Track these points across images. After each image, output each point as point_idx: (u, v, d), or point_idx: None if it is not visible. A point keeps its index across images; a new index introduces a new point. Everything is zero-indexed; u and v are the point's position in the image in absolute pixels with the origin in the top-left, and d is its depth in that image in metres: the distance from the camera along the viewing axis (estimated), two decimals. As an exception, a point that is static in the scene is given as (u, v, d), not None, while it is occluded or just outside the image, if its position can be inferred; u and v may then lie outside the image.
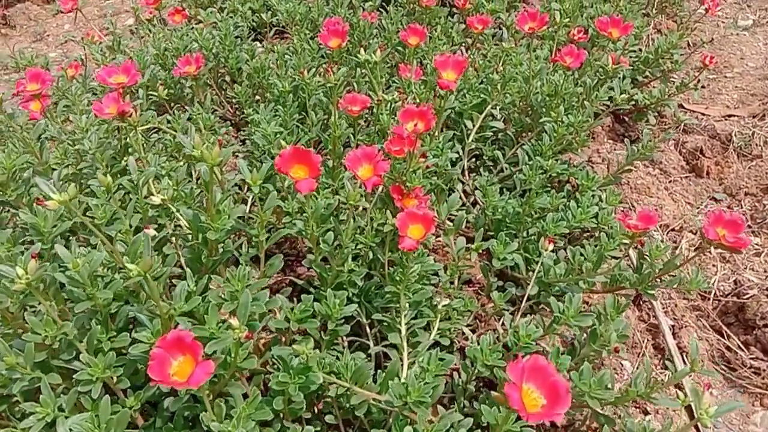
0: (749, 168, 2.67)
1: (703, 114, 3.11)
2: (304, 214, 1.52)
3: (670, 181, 2.65)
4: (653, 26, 3.78)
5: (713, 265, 2.23)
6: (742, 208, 2.53)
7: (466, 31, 2.51)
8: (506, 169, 2.21)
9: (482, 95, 2.30)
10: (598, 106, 2.21)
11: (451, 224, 1.89)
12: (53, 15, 4.35)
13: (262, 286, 1.36)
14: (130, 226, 1.48)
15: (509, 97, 2.30)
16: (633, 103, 2.91)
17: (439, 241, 2.07)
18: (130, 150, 1.81)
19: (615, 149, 2.88)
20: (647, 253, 1.70)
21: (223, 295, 1.32)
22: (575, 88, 2.21)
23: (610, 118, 2.99)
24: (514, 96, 2.29)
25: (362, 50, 2.05)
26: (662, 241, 2.31)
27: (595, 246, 1.77)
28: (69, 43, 4.03)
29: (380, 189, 1.67)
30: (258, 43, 3.48)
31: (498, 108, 2.36)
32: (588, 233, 2.10)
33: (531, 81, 2.28)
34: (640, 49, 3.31)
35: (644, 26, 3.04)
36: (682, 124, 2.93)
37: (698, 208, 2.55)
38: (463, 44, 2.79)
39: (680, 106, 3.18)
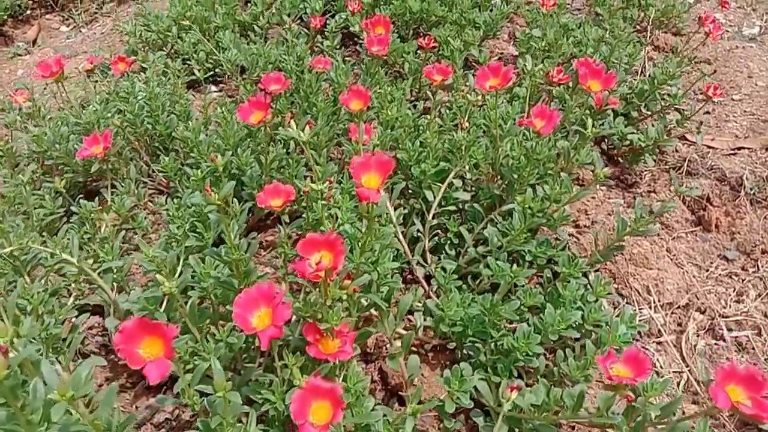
0: (765, 218, 2.23)
1: (709, 147, 2.66)
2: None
3: (673, 238, 2.21)
4: (650, 42, 3.33)
5: (727, 359, 1.79)
6: (759, 270, 2.09)
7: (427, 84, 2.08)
8: (473, 250, 1.78)
9: (443, 162, 1.88)
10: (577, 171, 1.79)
11: (399, 344, 1.48)
12: (9, 58, 3.99)
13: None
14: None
15: (475, 161, 1.88)
16: (628, 144, 2.47)
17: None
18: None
19: (609, 198, 2.44)
20: (641, 391, 1.28)
21: None
22: (550, 152, 1.79)
23: (602, 160, 2.55)
24: (480, 161, 1.86)
25: (292, 123, 1.64)
26: (664, 325, 1.88)
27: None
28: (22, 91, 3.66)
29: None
30: (213, 87, 3.10)
31: (463, 175, 1.94)
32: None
33: (499, 142, 1.86)
34: (635, 79, 2.86)
35: (636, 54, 2.59)
36: (685, 166, 2.48)
37: (707, 270, 2.11)
38: (422, 98, 2.38)
39: (683, 138, 2.73)
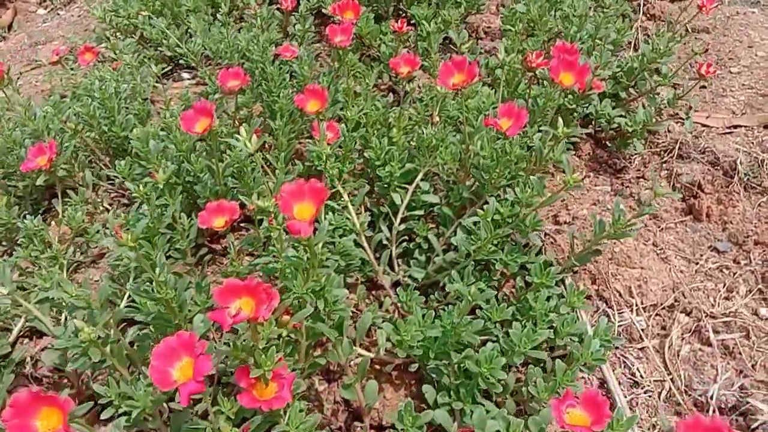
0: (759, 206, 2.08)
1: (704, 125, 2.49)
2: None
3: (661, 229, 2.08)
4: (645, 11, 3.13)
5: (712, 366, 1.67)
6: (750, 263, 1.95)
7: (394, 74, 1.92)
8: (440, 259, 1.66)
9: (410, 163, 1.75)
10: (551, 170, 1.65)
11: (355, 371, 1.38)
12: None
13: None
14: None
15: (444, 161, 1.74)
16: (615, 127, 2.32)
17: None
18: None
19: (596, 184, 2.30)
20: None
21: None
22: (521, 151, 1.64)
23: (590, 143, 2.40)
24: (449, 161, 1.73)
25: (242, 129, 1.51)
26: (646, 329, 1.76)
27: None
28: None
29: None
30: (186, 74, 2.96)
31: (436, 173, 1.80)
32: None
33: (468, 140, 1.72)
34: (626, 55, 2.68)
35: (626, 29, 2.40)
36: (677, 149, 2.32)
37: (696, 264, 1.98)
38: (401, 83, 2.22)
39: (675, 115, 2.56)
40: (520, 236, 1.61)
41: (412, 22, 2.65)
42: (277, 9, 2.69)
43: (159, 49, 2.94)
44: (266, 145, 1.94)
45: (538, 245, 1.63)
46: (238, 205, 1.41)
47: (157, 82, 2.83)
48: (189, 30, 2.74)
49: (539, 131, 1.93)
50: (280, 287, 1.24)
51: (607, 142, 2.39)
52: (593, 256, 1.64)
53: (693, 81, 2.21)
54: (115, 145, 2.06)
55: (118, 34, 3.08)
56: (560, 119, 1.51)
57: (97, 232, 1.76)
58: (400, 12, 2.87)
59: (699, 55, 2.12)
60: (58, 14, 4.08)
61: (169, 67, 2.92)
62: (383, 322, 1.51)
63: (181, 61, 2.85)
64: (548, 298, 1.56)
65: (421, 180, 1.74)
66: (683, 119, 2.52)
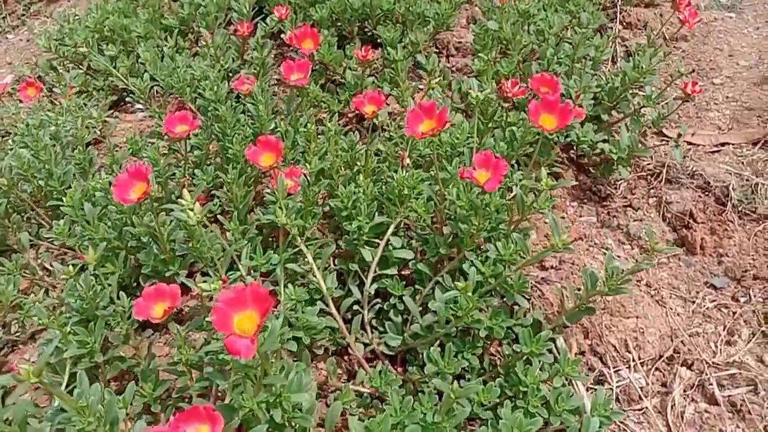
0: (756, 236, 1.91)
1: (690, 143, 2.33)
2: None
3: (653, 265, 1.90)
4: (621, 19, 2.96)
5: (720, 430, 1.50)
6: (750, 300, 1.79)
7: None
8: (418, 326, 1.47)
9: (380, 215, 1.55)
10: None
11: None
12: None
13: None
14: None
15: (417, 213, 1.55)
16: (599, 152, 2.14)
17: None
18: None
19: (581, 215, 2.12)
20: None
21: None
22: (501, 200, 1.45)
23: (572, 170, 2.22)
24: (422, 214, 1.53)
25: (185, 192, 1.30)
26: (646, 387, 1.58)
27: None
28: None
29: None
30: (140, 106, 2.72)
31: (404, 227, 1.61)
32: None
33: (442, 188, 1.52)
34: (605, 70, 2.51)
35: (605, 46, 2.22)
36: (664, 173, 2.16)
37: (693, 303, 1.81)
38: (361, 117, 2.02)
39: (659, 133, 2.40)
40: (506, 298, 1.43)
41: (379, 41, 2.45)
42: (233, 34, 2.47)
43: (110, 78, 2.70)
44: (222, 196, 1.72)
45: (525, 307, 1.44)
46: (179, 290, 1.20)
47: (108, 116, 2.60)
48: (139, 60, 2.51)
49: (519, 170, 1.75)
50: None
51: (591, 168, 2.21)
52: (586, 314, 1.45)
53: (676, 97, 2.05)
54: (54, 200, 1.83)
55: (66, 62, 2.83)
56: (543, 170, 1.32)
57: (33, 305, 1.53)
58: (366, 31, 2.67)
59: (685, 77, 1.95)
60: (6, 38, 3.80)
61: (121, 98, 2.69)
62: (356, 407, 1.32)
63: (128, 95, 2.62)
64: (540, 367, 1.37)
65: (393, 234, 1.54)
66: (668, 137, 2.36)
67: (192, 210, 1.26)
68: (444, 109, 1.35)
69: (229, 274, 1.38)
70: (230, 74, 2.43)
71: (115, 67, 2.60)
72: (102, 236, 1.49)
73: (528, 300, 1.46)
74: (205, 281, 1.21)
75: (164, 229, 1.44)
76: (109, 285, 1.43)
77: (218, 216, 1.74)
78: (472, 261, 1.42)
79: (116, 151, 2.01)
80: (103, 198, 1.58)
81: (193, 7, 2.72)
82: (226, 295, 0.88)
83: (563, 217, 2.09)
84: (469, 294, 1.21)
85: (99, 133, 2.46)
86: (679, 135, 1.86)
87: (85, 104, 2.56)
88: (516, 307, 1.46)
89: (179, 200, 1.30)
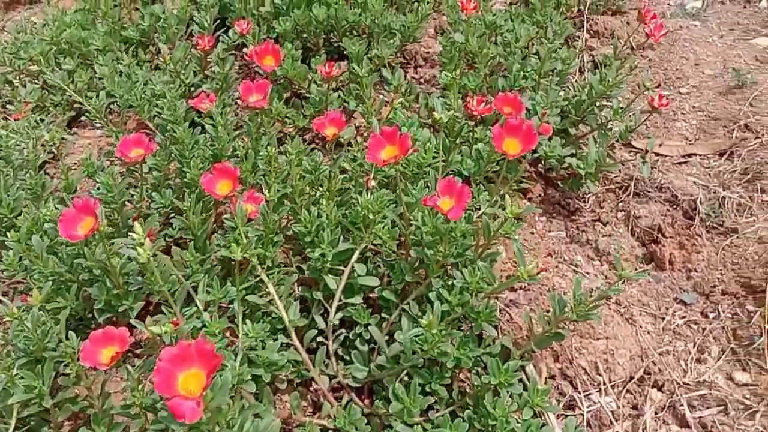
0: (724, 250, 1.90)
1: (658, 154, 2.31)
2: None
3: (622, 282, 1.87)
4: (588, 28, 2.94)
5: (690, 454, 1.48)
6: (719, 315, 1.77)
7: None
8: (384, 358, 1.42)
9: (345, 242, 1.49)
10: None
11: None
12: None
13: None
14: None
15: (382, 239, 1.49)
16: (566, 167, 2.11)
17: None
18: None
19: (549, 230, 2.09)
20: None
21: None
22: (467, 226, 1.41)
23: (540, 184, 2.19)
24: (387, 240, 1.48)
25: (136, 225, 1.23)
26: (617, 410, 1.55)
27: None
28: None
29: None
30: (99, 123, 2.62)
31: (370, 252, 1.56)
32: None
33: (407, 212, 1.47)
34: (572, 81, 2.49)
35: (572, 58, 2.19)
36: (632, 186, 2.13)
37: (663, 319, 1.79)
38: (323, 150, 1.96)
39: (627, 144, 2.38)
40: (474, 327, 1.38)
41: (346, 52, 2.39)
42: (195, 47, 2.39)
43: (67, 93, 2.59)
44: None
45: (493, 335, 1.39)
46: (127, 334, 1.13)
47: (66, 133, 2.51)
48: (96, 75, 2.41)
49: (485, 190, 1.71)
50: None
51: (559, 182, 2.18)
52: (555, 340, 1.41)
53: (643, 110, 2.03)
54: (3, 227, 1.74)
55: (21, 76, 2.72)
56: (507, 198, 1.27)
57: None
58: (332, 43, 2.60)
59: (651, 91, 1.92)
60: (-37, 50, 3.65)
61: (80, 114, 2.59)
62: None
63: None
64: (510, 396, 1.33)
65: (358, 261, 1.48)
66: (637, 149, 2.34)
67: (142, 245, 1.20)
68: (406, 136, 1.30)
69: (184, 311, 1.31)
70: (192, 89, 2.35)
71: (72, 82, 2.51)
72: (52, 270, 1.41)
73: (496, 327, 1.41)
74: (156, 322, 1.14)
75: (117, 263, 1.36)
76: (58, 322, 1.35)
77: (175, 245, 1.67)
78: (438, 290, 1.37)
79: (72, 172, 1.93)
80: (53, 229, 1.50)
81: (154, 18, 2.63)
82: (170, 353, 0.82)
83: (532, 233, 2.06)
84: (433, 331, 1.16)
85: (56, 151, 2.37)
86: (647, 151, 1.83)
87: (42, 120, 2.46)
88: (484, 334, 1.41)
89: (130, 233, 1.23)
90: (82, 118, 2.55)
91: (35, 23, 3.12)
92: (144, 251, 1.17)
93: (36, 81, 2.62)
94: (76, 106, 2.56)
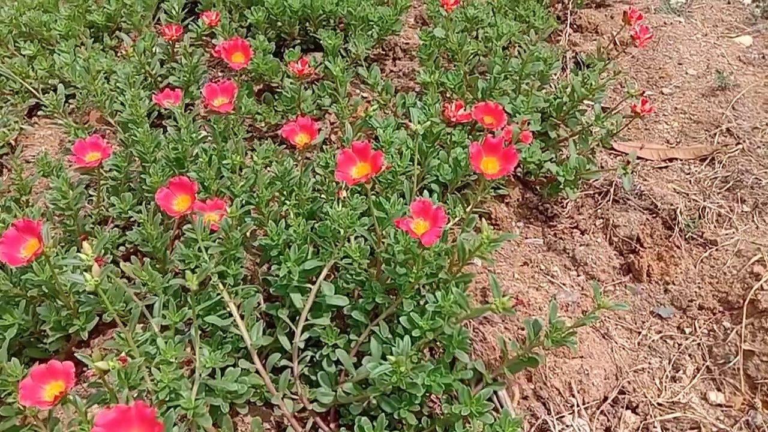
0: (702, 263, 1.85)
1: (639, 158, 2.25)
2: None
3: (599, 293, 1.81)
4: (572, 22, 2.85)
5: (665, 481, 1.43)
6: (696, 331, 1.73)
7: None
8: (351, 386, 1.34)
9: (313, 259, 1.41)
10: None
11: None
12: None
13: None
14: None
15: (351, 260, 1.41)
16: (545, 172, 2.03)
17: None
18: None
19: (526, 236, 2.02)
20: None
21: None
22: (441, 246, 1.33)
23: (518, 188, 2.11)
24: (357, 258, 1.39)
25: (85, 245, 1.13)
26: (591, 433, 1.50)
27: None
28: None
29: None
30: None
31: (339, 269, 1.47)
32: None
33: (379, 229, 1.39)
34: (552, 81, 2.40)
35: (554, 59, 2.10)
36: (612, 192, 2.07)
37: (639, 334, 1.74)
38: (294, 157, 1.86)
39: (608, 147, 2.31)
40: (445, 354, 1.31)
41: (321, 42, 2.27)
42: (159, 35, 2.25)
43: (28, 79, 2.44)
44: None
45: (466, 362, 1.32)
46: (73, 369, 1.03)
47: (25, 123, 2.37)
48: (56, 63, 2.26)
49: (460, 200, 1.63)
50: None
51: (537, 187, 2.10)
52: (529, 366, 1.35)
53: (626, 116, 1.96)
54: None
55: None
56: (484, 222, 1.19)
57: None
58: (307, 32, 2.48)
59: (634, 98, 1.84)
60: None
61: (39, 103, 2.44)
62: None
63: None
64: (481, 424, 1.27)
65: (325, 280, 1.40)
66: (617, 151, 2.28)
67: (90, 269, 1.10)
68: (378, 154, 1.21)
69: (138, 336, 1.22)
70: (159, 79, 2.22)
71: (32, 69, 2.37)
72: (-4, 286, 1.31)
73: (468, 351, 1.34)
74: (103, 356, 1.05)
75: (66, 282, 1.26)
76: (3, 341, 1.25)
77: (135, 252, 1.57)
78: (409, 314, 1.29)
79: (28, 169, 1.80)
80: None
81: (120, 3, 2.48)
82: (107, 418, 0.73)
83: (509, 241, 1.99)
84: (402, 369, 1.08)
85: (13, 142, 2.24)
86: (628, 162, 1.75)
87: (-1, 109, 2.32)
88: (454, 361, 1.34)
89: (78, 254, 1.13)
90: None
91: (-2, 0, 2.93)
92: (91, 278, 1.07)
93: (-5, 66, 2.46)
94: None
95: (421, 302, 1.36)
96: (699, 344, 1.70)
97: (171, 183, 1.27)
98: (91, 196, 1.79)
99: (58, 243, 1.55)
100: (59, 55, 2.10)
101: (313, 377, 1.44)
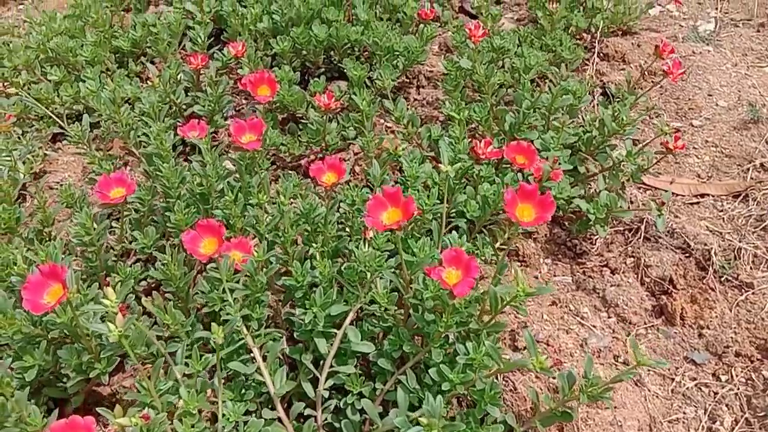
0: (738, 306, 1.77)
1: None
2: None
3: (630, 335, 1.76)
4: (599, 51, 2.80)
5: None
6: (732, 379, 1.65)
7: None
8: (377, 423, 1.29)
9: (338, 304, 1.36)
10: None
11: None
12: None
13: None
14: None
15: (377, 305, 1.36)
16: (575, 208, 1.97)
17: None
18: None
19: (555, 274, 1.96)
20: None
21: None
22: (473, 294, 1.27)
23: (547, 224, 2.05)
24: (384, 304, 1.34)
25: (108, 290, 1.09)
26: (625, 489, 1.43)
27: None
28: None
29: None
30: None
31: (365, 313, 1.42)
32: None
33: (407, 272, 1.34)
34: (581, 113, 2.35)
35: (584, 92, 2.05)
36: (643, 229, 2.00)
37: (672, 380, 1.67)
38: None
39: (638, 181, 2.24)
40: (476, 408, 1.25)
41: (345, 71, 2.24)
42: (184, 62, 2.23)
43: (53, 105, 2.44)
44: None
45: (497, 416, 1.27)
46: (94, 424, 1.00)
47: (49, 148, 2.36)
48: (83, 90, 2.25)
49: (490, 244, 1.58)
50: None
51: (566, 222, 2.05)
52: (562, 420, 1.29)
53: (658, 152, 1.90)
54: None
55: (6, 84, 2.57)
56: (519, 272, 1.14)
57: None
58: (332, 62, 2.45)
59: (667, 135, 1.79)
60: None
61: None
62: None
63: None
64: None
65: (351, 325, 1.35)
66: (647, 186, 2.21)
67: (113, 320, 1.06)
68: (410, 200, 1.16)
69: (158, 384, 1.18)
70: (183, 108, 2.21)
71: (58, 95, 2.36)
72: (17, 328, 1.27)
73: (499, 406, 1.28)
74: (124, 412, 1.01)
75: (88, 325, 1.22)
76: (23, 383, 1.22)
77: (157, 288, 1.54)
78: (439, 366, 1.24)
79: (51, 197, 1.79)
80: (21, 281, 1.35)
81: (146, 30, 2.47)
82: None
83: (536, 277, 1.93)
84: None
85: (37, 170, 2.23)
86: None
87: (24, 134, 2.31)
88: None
89: (102, 299, 1.10)
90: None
91: (26, 20, 2.94)
92: (115, 329, 1.04)
93: (20, 93, 2.46)
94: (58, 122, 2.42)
95: (450, 351, 1.31)
96: (737, 394, 1.63)
97: (199, 225, 1.24)
98: (113, 227, 1.77)
99: (80, 277, 1.52)
100: (84, 82, 2.09)
101: (337, 424, 1.39)
